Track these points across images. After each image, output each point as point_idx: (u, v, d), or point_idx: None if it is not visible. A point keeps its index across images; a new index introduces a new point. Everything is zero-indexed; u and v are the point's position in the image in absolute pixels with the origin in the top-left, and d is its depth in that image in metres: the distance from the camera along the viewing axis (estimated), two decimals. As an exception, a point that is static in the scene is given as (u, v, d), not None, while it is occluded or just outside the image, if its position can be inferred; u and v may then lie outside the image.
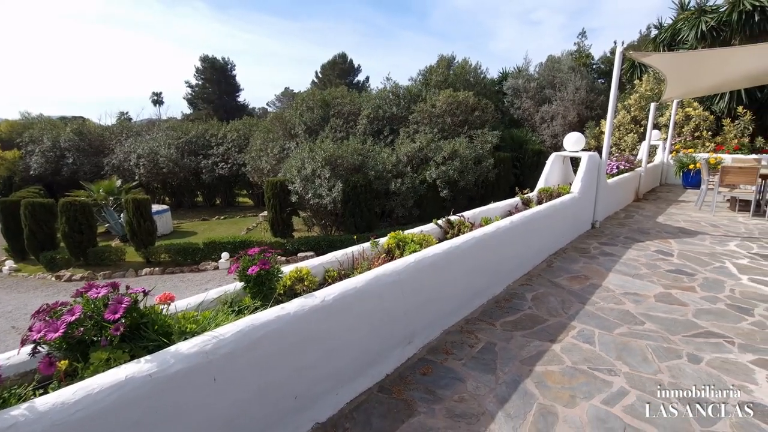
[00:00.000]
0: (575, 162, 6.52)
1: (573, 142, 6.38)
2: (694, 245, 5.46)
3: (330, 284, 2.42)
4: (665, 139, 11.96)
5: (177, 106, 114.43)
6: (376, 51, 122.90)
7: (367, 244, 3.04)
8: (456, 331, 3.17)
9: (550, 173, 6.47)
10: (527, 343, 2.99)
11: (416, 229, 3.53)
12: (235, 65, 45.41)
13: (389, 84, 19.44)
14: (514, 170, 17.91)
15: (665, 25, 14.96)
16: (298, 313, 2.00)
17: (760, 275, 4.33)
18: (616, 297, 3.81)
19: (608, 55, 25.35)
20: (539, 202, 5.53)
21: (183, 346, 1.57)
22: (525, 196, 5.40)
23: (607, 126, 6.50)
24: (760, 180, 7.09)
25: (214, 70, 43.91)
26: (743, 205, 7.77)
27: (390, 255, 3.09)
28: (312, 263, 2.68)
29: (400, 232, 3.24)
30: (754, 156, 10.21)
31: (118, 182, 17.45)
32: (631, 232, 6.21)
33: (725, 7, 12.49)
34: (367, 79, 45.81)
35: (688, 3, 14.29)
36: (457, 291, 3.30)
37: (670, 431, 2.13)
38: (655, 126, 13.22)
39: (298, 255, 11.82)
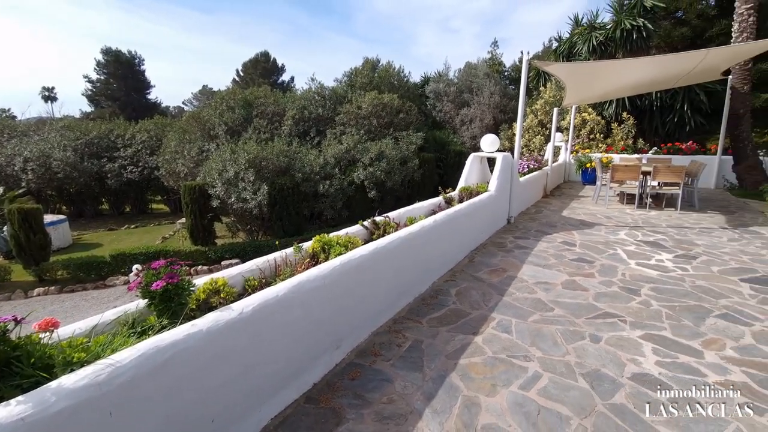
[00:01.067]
0: (492, 162, 6.90)
1: (489, 143, 6.75)
2: (593, 235, 6.08)
3: (250, 294, 2.27)
4: (567, 141, 13.21)
5: (74, 104, 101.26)
6: (300, 51, 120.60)
7: (290, 250, 2.92)
8: (384, 332, 3.17)
9: (470, 173, 6.80)
10: (452, 337, 3.08)
11: (342, 232, 3.47)
12: (143, 60, 41.60)
13: (314, 85, 19.14)
14: (438, 170, 18.60)
15: (564, 38, 16.54)
16: (212, 329, 1.83)
17: (644, 259, 4.93)
18: (530, 287, 4.09)
19: (517, 63, 27.42)
20: (461, 201, 5.77)
21: (68, 380, 1.35)
22: (447, 195, 5.60)
23: (517, 129, 6.99)
24: (641, 176, 8.10)
25: (119, 64, 39.81)
26: (630, 198, 8.83)
27: (315, 259, 3.00)
28: (230, 273, 2.50)
29: (325, 235, 3.16)
30: (636, 156, 11.67)
31: None
32: (541, 225, 6.74)
33: (610, 25, 14.14)
34: (292, 79, 44.74)
35: (582, 19, 15.94)
36: (384, 291, 3.30)
37: (577, 407, 2.31)
38: (558, 129, 14.54)
39: (222, 263, 11.15)
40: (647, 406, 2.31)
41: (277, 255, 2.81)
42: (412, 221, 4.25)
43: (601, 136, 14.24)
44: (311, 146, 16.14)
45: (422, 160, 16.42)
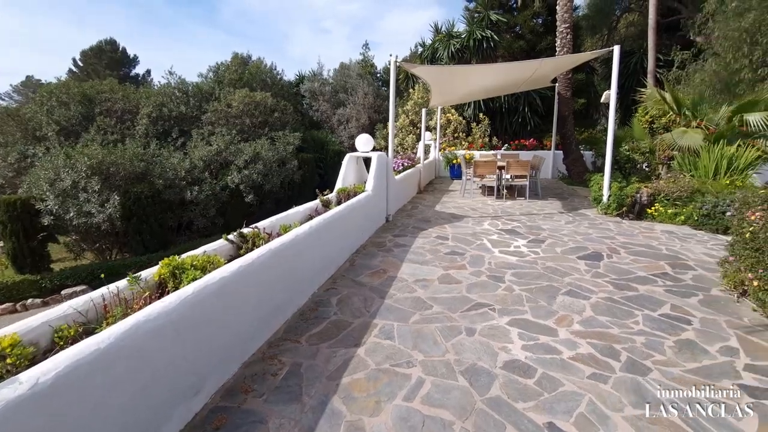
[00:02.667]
0: (368, 162, 6.87)
1: (363, 143, 6.70)
2: (462, 228, 6.49)
3: (62, 350, 1.69)
4: (435, 139, 14.13)
5: None
6: (158, 41, 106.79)
7: (123, 282, 2.32)
8: (258, 360, 2.78)
9: (347, 173, 6.66)
10: (333, 353, 2.85)
11: (199, 250, 2.95)
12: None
13: (173, 79, 17.01)
14: (318, 170, 18.26)
15: (427, 44, 17.64)
16: (-20, 421, 1.27)
17: (505, 247, 5.41)
18: (410, 286, 4.09)
19: (388, 66, 28.54)
20: (339, 203, 5.57)
21: None
22: (324, 198, 5.35)
23: (390, 128, 7.09)
24: (498, 171, 9.01)
25: None
26: (490, 191, 9.77)
27: (162, 289, 2.46)
28: (28, 324, 1.85)
29: (176, 257, 2.62)
30: (492, 152, 13.05)
31: None
32: (417, 221, 6.97)
33: (465, 35, 15.52)
34: (149, 72, 39.30)
35: (441, 28, 17.19)
36: (255, 314, 2.90)
37: (459, 409, 2.29)
38: (428, 128, 15.49)
39: (63, 292, 9.12)
40: (518, 394, 2.41)
41: (105, 291, 2.20)
42: (286, 229, 3.89)
43: (464, 134, 15.60)
44: (174, 148, 14.32)
45: (301, 160, 15.91)
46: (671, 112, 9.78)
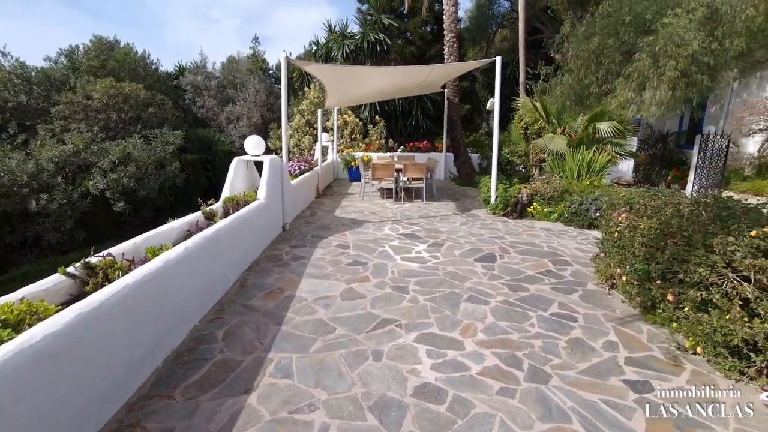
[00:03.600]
0: (260, 166, 6.24)
1: (253, 145, 6.06)
2: (363, 234, 6.28)
3: None
4: (333, 141, 13.79)
5: None
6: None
7: None
8: None
9: (235, 180, 5.95)
10: (218, 407, 2.34)
11: (15, 295, 2.17)
12: None
13: (8, 62, 13.78)
14: (206, 173, 16.57)
15: (321, 43, 17.17)
16: None
17: (407, 253, 5.33)
18: (310, 306, 3.70)
19: (281, 62, 27.30)
20: (226, 214, 4.90)
21: None
22: (208, 209, 4.64)
23: (283, 129, 6.55)
24: (395, 173, 9.05)
25: None
26: (388, 193, 9.80)
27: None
28: None
29: (-27, 312, 1.85)
30: (389, 154, 13.19)
31: None
32: (317, 229, 6.57)
33: (359, 36, 15.45)
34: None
35: (335, 27, 16.87)
36: (107, 372, 2.24)
37: (369, 457, 2.00)
38: (325, 129, 15.08)
39: None
40: (431, 426, 2.21)
41: None
42: (154, 252, 3.18)
43: (361, 136, 15.55)
44: (12, 147, 11.55)
45: (185, 162, 14.19)
46: (541, 120, 10.94)
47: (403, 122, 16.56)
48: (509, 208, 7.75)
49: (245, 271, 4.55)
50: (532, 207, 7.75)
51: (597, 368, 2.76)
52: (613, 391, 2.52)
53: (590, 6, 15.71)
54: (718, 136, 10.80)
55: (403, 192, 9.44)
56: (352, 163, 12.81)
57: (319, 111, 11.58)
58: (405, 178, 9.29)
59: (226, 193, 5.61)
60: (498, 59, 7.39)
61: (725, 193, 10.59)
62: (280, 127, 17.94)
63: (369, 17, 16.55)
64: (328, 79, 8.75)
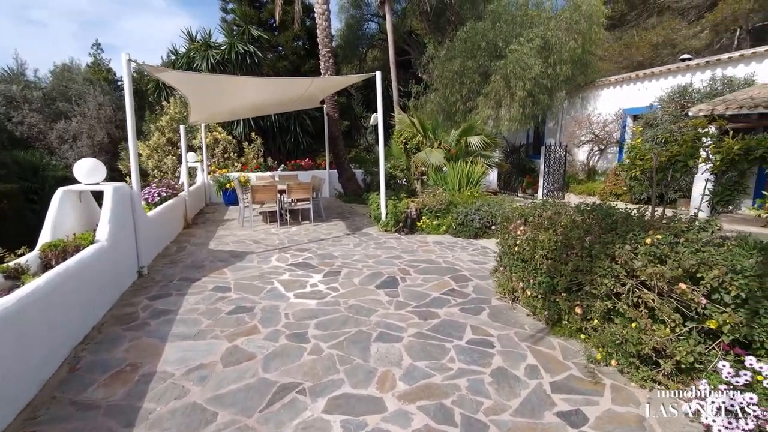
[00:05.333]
0: (102, 197, 4.84)
1: (87, 171, 4.66)
2: (246, 269, 5.34)
3: None
4: (202, 161, 12.16)
5: None
6: None
7: None
8: None
9: (61, 218, 4.45)
10: None
11: None
12: None
13: None
14: (31, 206, 13.10)
15: (181, 52, 15.21)
16: None
17: (300, 288, 4.62)
18: (178, 384, 2.76)
19: (134, 75, 23.67)
20: (47, 267, 3.56)
21: None
22: (10, 265, 3.26)
23: (130, 147, 5.25)
24: (278, 195, 8.20)
25: None
26: (272, 217, 8.86)
27: None
28: None
29: None
30: (269, 173, 12.17)
31: None
32: (186, 269, 5.37)
33: (225, 47, 14.09)
34: None
35: (196, 36, 15.13)
36: None
37: None
38: (191, 148, 13.26)
39: None
40: None
41: None
42: None
43: (235, 155, 14.12)
44: None
45: (-5, 193, 10.91)
46: (419, 135, 11.29)
47: (281, 139, 15.63)
48: (400, 224, 7.60)
49: (79, 345, 3.29)
50: (421, 221, 7.74)
51: (528, 403, 2.51)
52: (552, 430, 2.27)
53: (448, 32, 17.17)
54: (557, 147, 12.57)
55: (288, 215, 8.62)
56: (228, 185, 11.42)
57: (182, 127, 10.01)
58: (289, 200, 8.50)
59: (45, 237, 4.12)
60: (378, 74, 7.24)
61: (567, 195, 12.38)
62: (133, 146, 15.30)
63: (236, 27, 15.30)
64: (190, 90, 7.50)
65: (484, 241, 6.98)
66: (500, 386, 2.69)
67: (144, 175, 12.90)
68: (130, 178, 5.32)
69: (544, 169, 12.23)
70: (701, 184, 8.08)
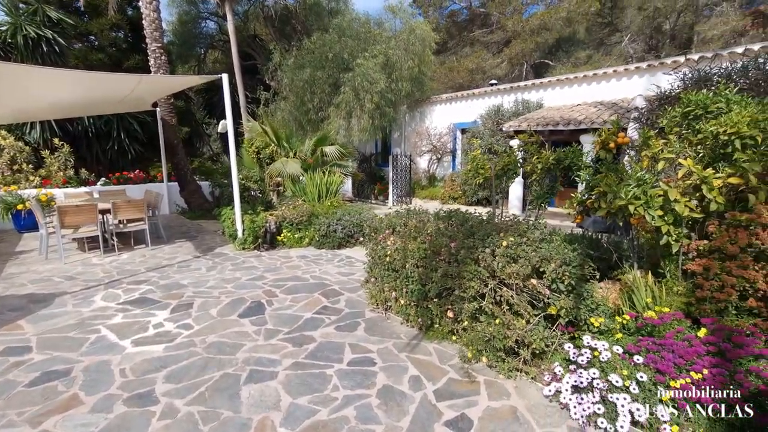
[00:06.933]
0: None
1: None
2: (56, 317, 4.04)
3: None
4: (-26, 175, 8.97)
5: None
6: None
7: None
8: None
9: None
10: None
11: None
12: None
13: None
14: None
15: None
16: None
17: (141, 332, 3.71)
18: None
19: None
20: None
21: None
22: None
23: None
24: (100, 216, 6.60)
25: None
26: (92, 243, 7.08)
27: None
28: None
29: None
30: (84, 189, 9.78)
31: None
32: (-50, 330, 3.76)
33: (6, 27, 10.78)
34: None
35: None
36: None
37: None
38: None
39: None
40: None
41: None
42: None
43: (31, 167, 10.90)
44: None
45: None
46: (273, 144, 10.68)
47: (100, 147, 12.84)
48: (259, 240, 6.97)
49: None
50: (282, 235, 7.27)
51: (418, 420, 2.46)
52: (443, 443, 2.25)
53: (295, 40, 16.88)
54: (403, 156, 13.61)
55: (115, 238, 7.01)
56: (20, 206, 8.67)
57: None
58: (116, 221, 6.93)
59: None
60: (224, 76, 6.51)
61: (414, 200, 13.51)
62: None
63: (24, 5, 11.90)
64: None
65: (348, 250, 6.95)
66: (388, 407, 2.58)
67: None
68: None
69: (393, 177, 13.03)
70: (517, 188, 9.80)
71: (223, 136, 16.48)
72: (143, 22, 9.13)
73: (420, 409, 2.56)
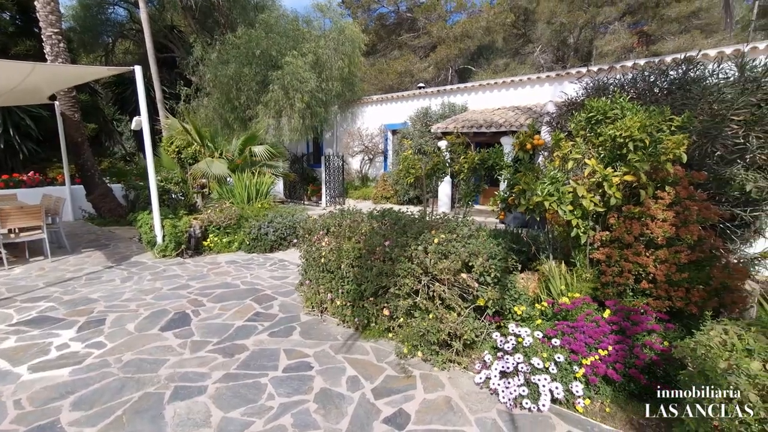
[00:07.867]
0: None
1: None
2: (-76, 347, 3.37)
3: None
4: None
5: None
6: None
7: None
8: None
9: None
10: None
11: None
12: None
13: None
14: None
15: None
16: None
17: (40, 355, 3.23)
18: None
19: None
20: None
21: None
22: None
23: None
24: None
25: None
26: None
27: None
28: None
29: None
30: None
31: None
32: None
33: None
34: None
35: None
36: None
37: None
38: None
39: None
40: None
41: None
42: None
43: None
44: None
45: None
46: (196, 143, 9.96)
47: (-20, 144, 10.98)
48: (183, 246, 6.47)
49: None
50: (208, 240, 6.81)
51: (357, 420, 2.44)
52: (383, 440, 2.26)
53: (217, 34, 15.90)
54: (335, 157, 13.52)
55: (4, 251, 6.03)
56: None
57: None
58: (5, 230, 5.96)
59: None
60: (138, 68, 5.93)
61: (347, 200, 13.49)
62: None
63: None
64: None
65: (281, 253, 6.73)
66: (327, 410, 2.53)
67: None
68: None
69: (326, 177, 12.89)
70: (446, 187, 10.22)
71: (138, 134, 15.00)
72: (35, 3, 7.96)
73: (358, 408, 2.55)
